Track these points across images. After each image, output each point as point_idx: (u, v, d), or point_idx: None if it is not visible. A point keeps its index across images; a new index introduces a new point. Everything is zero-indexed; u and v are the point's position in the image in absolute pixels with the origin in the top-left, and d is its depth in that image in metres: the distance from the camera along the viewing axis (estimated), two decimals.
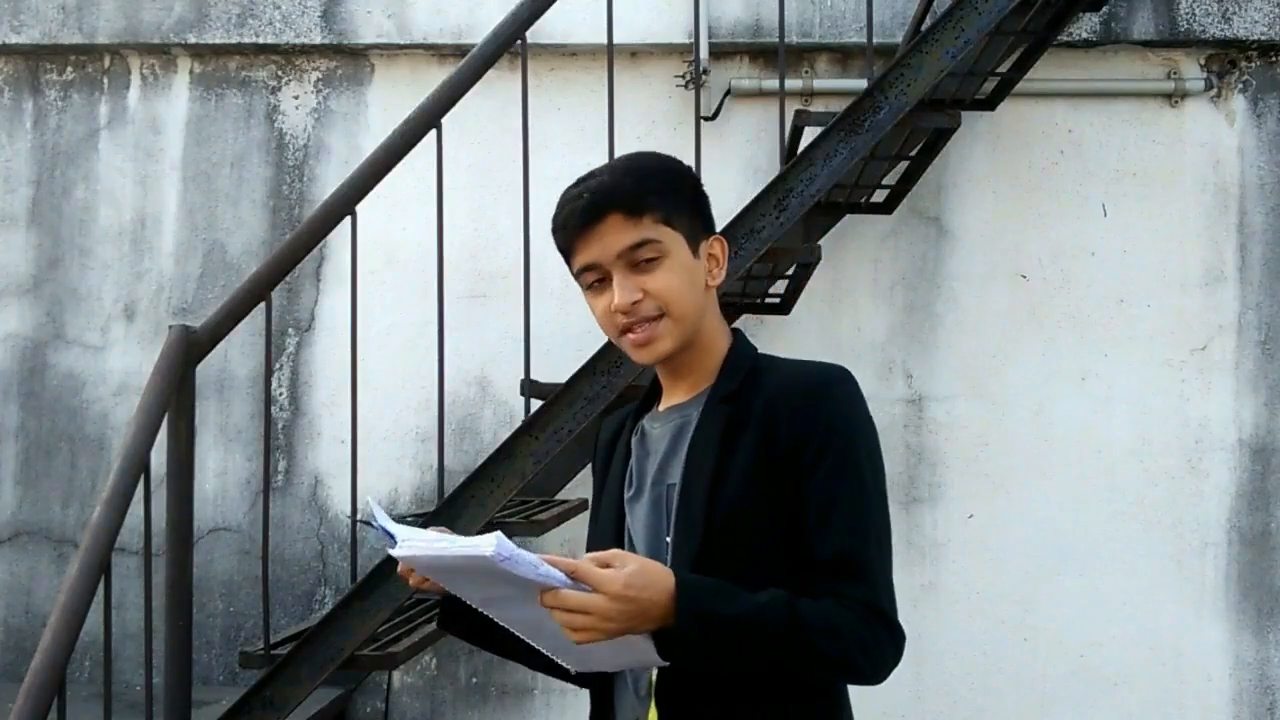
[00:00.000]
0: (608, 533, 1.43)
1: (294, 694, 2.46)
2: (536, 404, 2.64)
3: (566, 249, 1.39)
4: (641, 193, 1.35)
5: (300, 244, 2.55)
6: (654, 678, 1.31)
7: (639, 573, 1.15)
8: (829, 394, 1.32)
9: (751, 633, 1.20)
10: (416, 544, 1.19)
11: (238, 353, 3.62)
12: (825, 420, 1.30)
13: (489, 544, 1.10)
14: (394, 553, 1.21)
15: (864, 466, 1.31)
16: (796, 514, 1.29)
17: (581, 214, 1.35)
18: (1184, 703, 3.47)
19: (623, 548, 1.38)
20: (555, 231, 1.42)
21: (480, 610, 1.27)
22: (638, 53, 3.60)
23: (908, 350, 3.55)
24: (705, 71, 3.49)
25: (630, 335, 1.36)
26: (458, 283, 3.34)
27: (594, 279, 1.37)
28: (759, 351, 1.43)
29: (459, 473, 3.10)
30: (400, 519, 2.89)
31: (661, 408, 1.45)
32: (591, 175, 1.39)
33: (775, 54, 3.33)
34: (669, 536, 1.33)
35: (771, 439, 1.30)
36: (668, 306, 1.34)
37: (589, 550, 1.35)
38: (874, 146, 2.63)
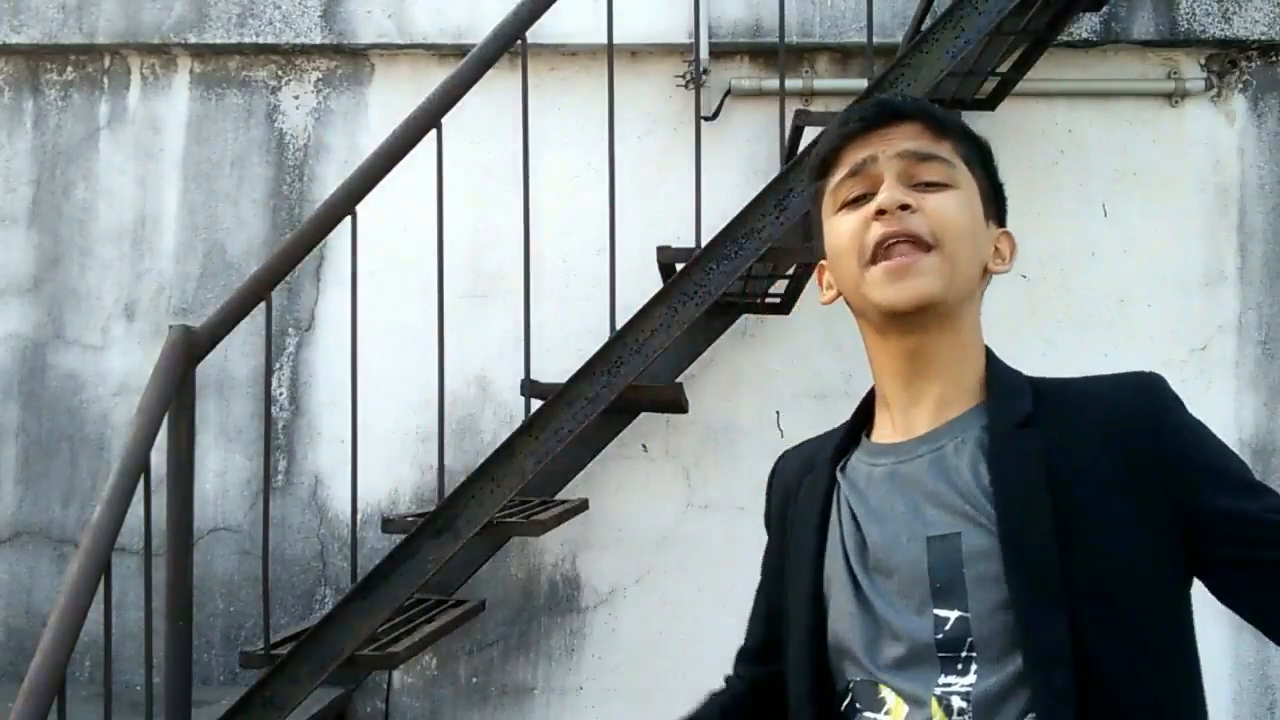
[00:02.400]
0: (802, 622, 1.10)
1: (294, 694, 2.46)
2: (536, 404, 2.64)
3: (827, 160, 1.09)
4: (946, 119, 1.07)
5: (300, 244, 2.55)
6: None
7: None
8: (1169, 409, 1.02)
9: None
10: None
11: (238, 353, 3.62)
12: (1187, 441, 1.00)
13: None
14: None
15: (1246, 474, 1.01)
16: (1189, 566, 0.99)
17: (872, 108, 1.06)
18: None
19: (820, 627, 1.08)
20: (817, 150, 1.11)
21: None
22: (638, 53, 3.60)
23: None
24: (705, 71, 3.49)
25: (886, 261, 1.03)
26: (458, 283, 3.34)
27: (855, 193, 1.06)
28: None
29: (459, 473, 3.10)
30: (401, 517, 2.89)
31: (884, 438, 1.11)
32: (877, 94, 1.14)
33: (775, 54, 3.33)
34: (943, 608, 0.99)
35: (1131, 479, 0.98)
36: (942, 238, 1.03)
37: (787, 634, 1.13)
38: None
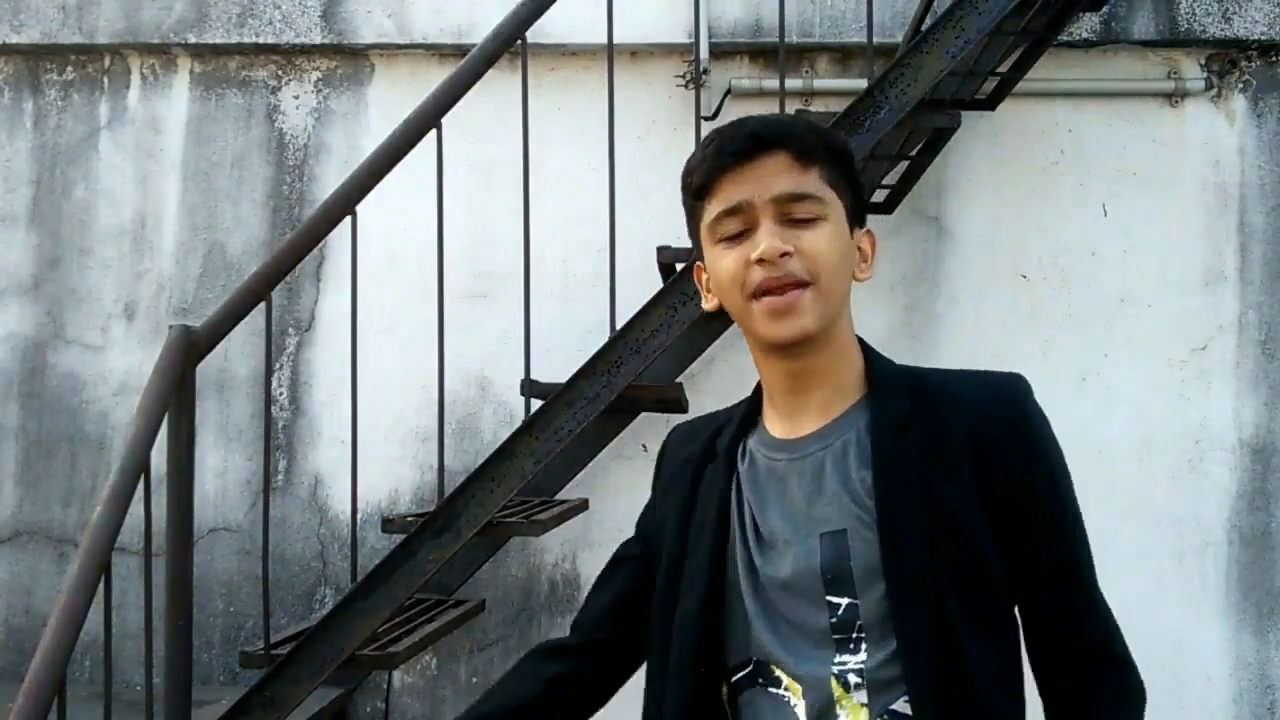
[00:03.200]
0: (695, 594, 1.18)
1: (294, 694, 2.46)
2: (536, 404, 2.64)
3: (704, 188, 1.15)
4: (815, 144, 1.13)
5: (300, 244, 2.55)
6: None
7: None
8: (1031, 417, 1.17)
9: None
10: None
11: (238, 353, 3.62)
12: (1039, 452, 1.15)
13: None
14: None
15: (1073, 494, 1.17)
16: (1018, 563, 1.12)
17: (744, 141, 1.12)
18: (1184, 703, 3.47)
19: (717, 612, 1.17)
20: (693, 170, 1.17)
21: None
22: (638, 53, 3.60)
23: (908, 350, 3.55)
24: (705, 71, 3.49)
25: (768, 298, 1.11)
26: (458, 283, 3.34)
27: (733, 230, 1.13)
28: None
29: (459, 473, 3.10)
30: (401, 517, 2.89)
31: (780, 434, 1.20)
32: (749, 118, 1.16)
33: (775, 54, 3.33)
34: (835, 595, 1.11)
35: (986, 479, 1.11)
36: (818, 274, 1.11)
37: (655, 618, 1.22)
38: (874, 146, 2.63)
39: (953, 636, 1.07)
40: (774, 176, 1.11)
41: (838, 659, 1.10)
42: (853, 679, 1.09)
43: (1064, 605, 1.15)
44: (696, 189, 1.16)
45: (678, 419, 3.75)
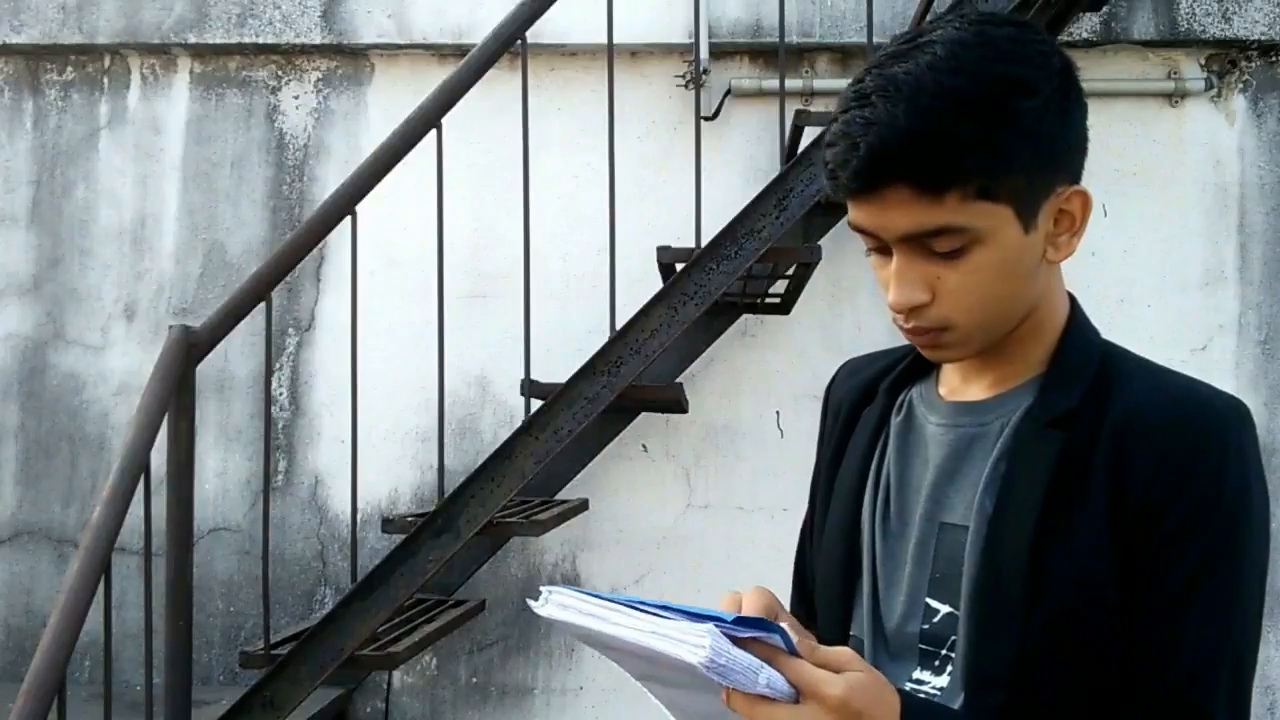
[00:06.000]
0: (835, 553, 1.05)
1: (294, 694, 2.46)
2: (536, 404, 2.64)
3: (835, 196, 0.94)
4: (948, 155, 0.86)
5: (300, 244, 2.55)
6: None
7: (865, 686, 0.79)
8: (1220, 449, 0.89)
9: None
10: (578, 604, 0.81)
11: (238, 353, 3.62)
12: (1207, 486, 0.88)
13: (698, 643, 0.74)
14: (539, 609, 0.83)
15: (1245, 562, 0.89)
16: (1131, 600, 0.89)
17: (855, 174, 0.88)
18: None
19: (853, 580, 1.02)
20: (824, 173, 0.95)
21: (637, 681, 0.90)
22: (638, 53, 3.60)
23: None
24: (705, 71, 3.49)
25: (911, 336, 0.96)
26: (458, 283, 3.34)
27: (873, 244, 0.94)
28: (1101, 336, 1.00)
29: (459, 473, 3.09)
30: (401, 517, 2.89)
31: (944, 392, 1.03)
32: (877, 92, 0.87)
33: (775, 54, 3.33)
34: (936, 599, 0.95)
35: (1119, 490, 0.89)
36: (959, 318, 0.92)
37: (816, 557, 1.08)
38: None
39: (1035, 681, 0.89)
40: (899, 210, 0.88)
41: (916, 674, 0.96)
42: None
43: (1157, 667, 0.88)
44: (830, 190, 0.96)
45: (678, 419, 3.78)
